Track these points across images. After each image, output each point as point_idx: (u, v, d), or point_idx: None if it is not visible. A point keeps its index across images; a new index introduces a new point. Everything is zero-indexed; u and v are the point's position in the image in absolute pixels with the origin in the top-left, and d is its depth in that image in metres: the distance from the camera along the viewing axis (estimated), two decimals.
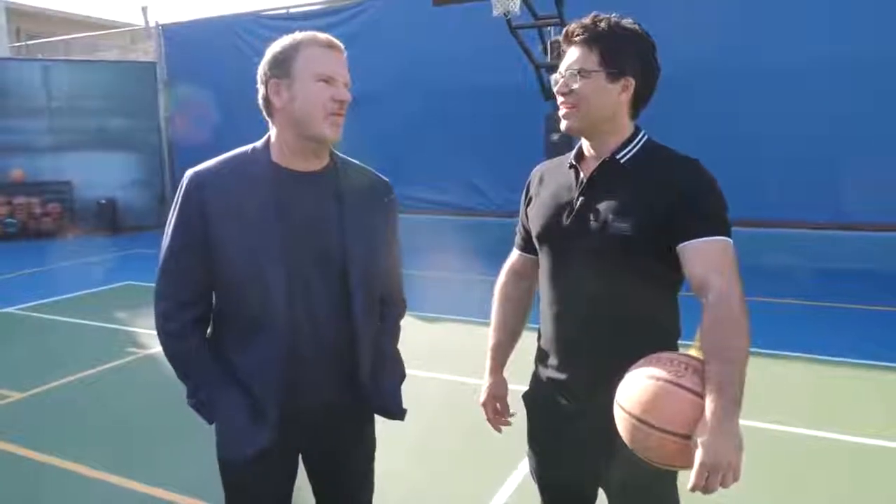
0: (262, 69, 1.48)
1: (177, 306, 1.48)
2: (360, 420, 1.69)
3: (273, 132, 1.52)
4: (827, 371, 4.65)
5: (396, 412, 1.67)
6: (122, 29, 15.58)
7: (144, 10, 13.81)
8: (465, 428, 3.54)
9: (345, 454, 1.67)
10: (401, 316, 1.77)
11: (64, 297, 7.23)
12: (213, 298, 1.54)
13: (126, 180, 12.97)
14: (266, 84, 1.47)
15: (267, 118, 1.52)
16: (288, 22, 12.22)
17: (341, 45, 1.48)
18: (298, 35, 1.47)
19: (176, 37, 13.36)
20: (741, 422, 1.27)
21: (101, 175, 12.61)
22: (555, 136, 8.61)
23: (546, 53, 8.39)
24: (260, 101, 1.51)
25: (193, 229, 1.44)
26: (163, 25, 13.53)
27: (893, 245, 8.14)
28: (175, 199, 1.48)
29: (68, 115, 12.54)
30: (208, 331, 1.57)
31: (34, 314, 6.51)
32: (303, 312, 1.47)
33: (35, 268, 9.20)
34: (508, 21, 7.62)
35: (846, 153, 8.23)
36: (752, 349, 1.34)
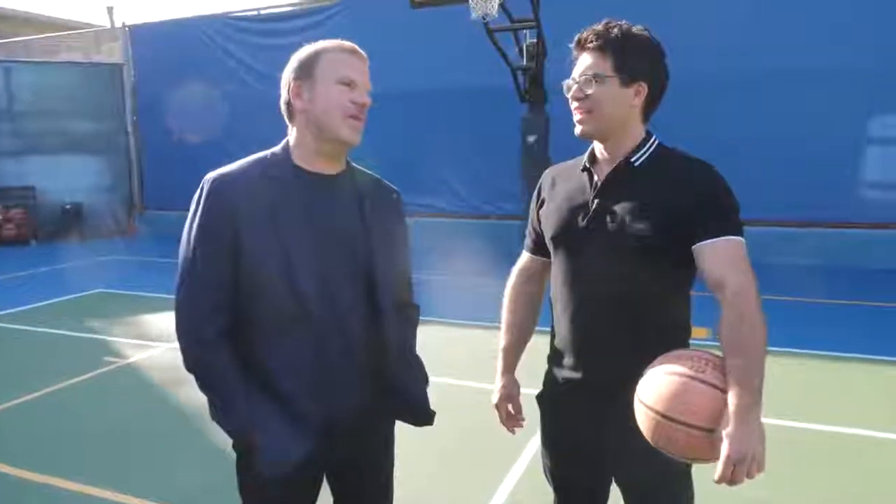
0: (286, 75, 1.52)
1: (209, 313, 1.45)
2: (386, 429, 1.70)
3: (293, 136, 1.54)
4: (820, 365, 4.79)
5: (426, 416, 1.67)
6: (87, 30, 15.18)
7: (110, 10, 13.53)
8: (461, 430, 3.56)
9: (371, 466, 1.68)
10: (418, 320, 1.78)
11: (32, 306, 7.01)
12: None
13: (92, 185, 12.67)
14: (288, 87, 1.50)
15: (287, 122, 1.55)
16: (259, 24, 12.10)
17: (364, 53, 1.53)
18: (323, 42, 1.51)
19: (143, 38, 13.11)
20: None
21: (66, 180, 12.30)
22: (531, 138, 8.72)
23: (522, 56, 8.48)
24: (282, 105, 1.54)
25: (221, 233, 1.43)
26: (129, 26, 13.27)
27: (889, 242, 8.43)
28: (196, 203, 1.46)
29: (31, 118, 12.20)
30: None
31: (1, 325, 6.30)
32: (329, 313, 1.47)
33: None
34: (486, 24, 7.67)
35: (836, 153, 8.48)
36: None
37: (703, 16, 8.54)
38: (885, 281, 7.70)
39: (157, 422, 3.97)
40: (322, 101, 1.46)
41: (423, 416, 1.67)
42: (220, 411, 1.47)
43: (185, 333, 1.47)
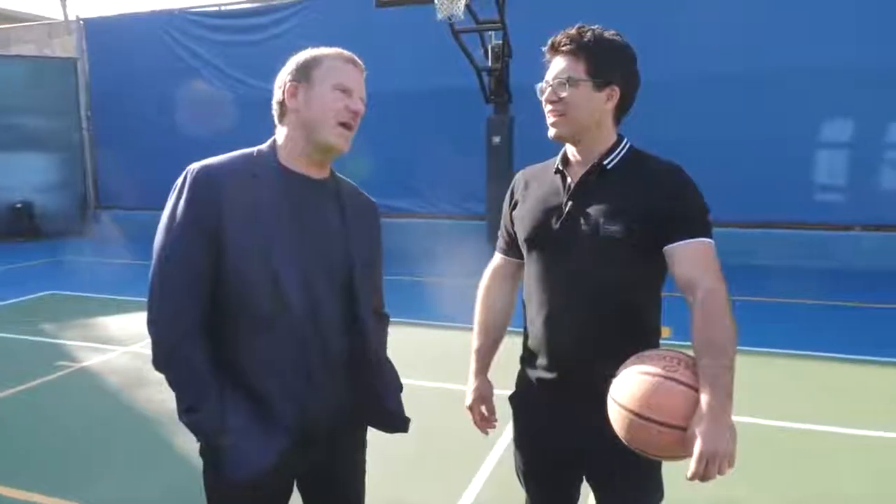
0: (282, 76, 1.53)
1: (185, 304, 1.39)
2: (360, 434, 1.69)
3: (281, 136, 1.54)
4: (792, 363, 4.91)
5: (401, 423, 1.66)
6: (38, 22, 14.65)
7: (63, 1, 13.06)
8: (429, 431, 3.54)
9: (343, 471, 1.66)
10: (387, 328, 1.78)
11: None
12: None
13: (44, 183, 12.22)
14: (283, 87, 1.51)
15: (276, 122, 1.55)
16: (218, 20, 11.86)
17: (362, 64, 1.56)
18: (323, 48, 1.54)
19: (99, 32, 12.73)
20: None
21: (17, 177, 11.83)
22: (496, 139, 8.78)
23: (487, 57, 8.52)
24: (274, 105, 1.55)
25: (203, 222, 1.39)
26: (84, 19, 12.85)
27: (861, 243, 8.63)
28: (177, 193, 1.42)
29: None
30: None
31: None
32: (309, 312, 1.46)
33: None
34: (451, 25, 7.68)
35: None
36: None
37: (672, 17, 8.64)
38: (875, 281, 7.82)
39: (116, 427, 3.85)
40: (317, 104, 1.48)
41: (398, 422, 1.66)
42: (191, 410, 1.41)
43: (159, 324, 1.40)
